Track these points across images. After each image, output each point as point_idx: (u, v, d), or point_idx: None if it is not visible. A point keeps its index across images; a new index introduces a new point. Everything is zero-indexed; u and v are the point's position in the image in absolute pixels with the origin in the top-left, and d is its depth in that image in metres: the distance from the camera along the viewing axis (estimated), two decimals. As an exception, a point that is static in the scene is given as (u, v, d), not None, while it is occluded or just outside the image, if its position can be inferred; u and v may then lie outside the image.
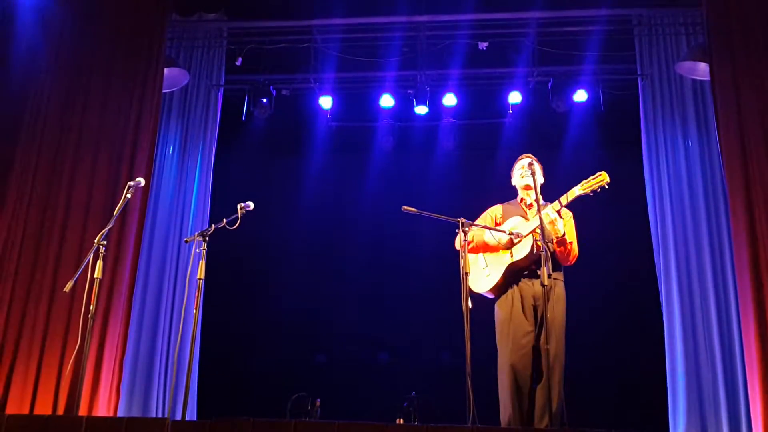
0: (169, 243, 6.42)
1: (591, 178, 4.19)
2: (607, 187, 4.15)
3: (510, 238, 4.27)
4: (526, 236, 4.23)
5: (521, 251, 4.27)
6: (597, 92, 6.88)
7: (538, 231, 4.01)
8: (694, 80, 6.30)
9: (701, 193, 6.06)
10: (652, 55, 6.51)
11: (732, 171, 5.30)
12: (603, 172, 4.18)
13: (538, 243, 4.09)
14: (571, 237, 4.37)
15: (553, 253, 4.23)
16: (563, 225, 4.21)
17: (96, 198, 5.56)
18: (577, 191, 4.21)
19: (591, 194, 4.17)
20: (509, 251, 4.33)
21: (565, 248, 4.25)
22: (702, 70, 5.94)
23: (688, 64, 6.07)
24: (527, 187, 4.46)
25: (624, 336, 6.48)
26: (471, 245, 4.37)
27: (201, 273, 4.21)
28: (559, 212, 4.21)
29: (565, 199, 4.23)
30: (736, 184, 5.26)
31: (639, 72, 6.54)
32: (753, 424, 4.90)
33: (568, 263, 4.36)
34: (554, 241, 4.20)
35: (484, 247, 4.45)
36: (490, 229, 4.39)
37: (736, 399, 5.51)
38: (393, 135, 7.32)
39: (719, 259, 5.87)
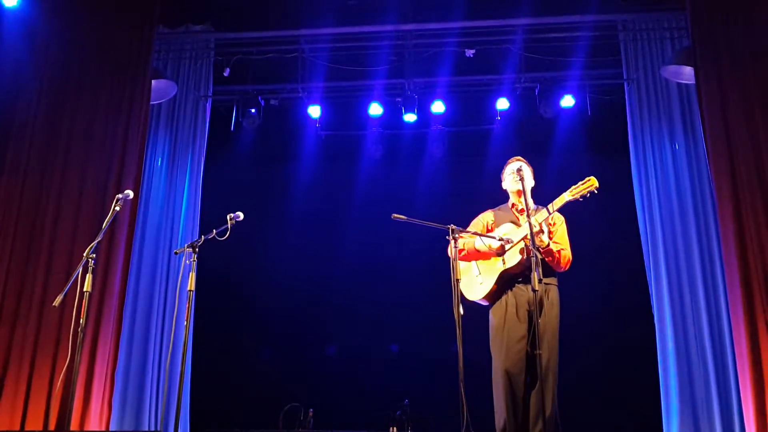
0: (159, 255, 6.40)
1: (580, 183, 4.16)
2: (596, 191, 4.12)
3: (501, 244, 4.27)
4: (517, 243, 4.23)
5: (513, 258, 4.27)
6: (584, 97, 6.93)
7: (529, 237, 4.01)
8: (679, 83, 6.35)
9: (689, 195, 6.11)
10: (638, 59, 6.57)
11: (719, 172, 5.34)
12: (592, 177, 4.14)
13: (529, 248, 4.08)
14: (563, 242, 4.37)
15: (544, 259, 4.24)
16: (548, 235, 4.19)
17: (85, 211, 5.54)
18: (566, 197, 4.18)
19: (581, 199, 4.16)
20: (501, 258, 4.33)
21: (553, 258, 4.24)
22: (687, 73, 6.00)
23: (673, 67, 6.13)
24: (518, 193, 4.47)
25: (616, 340, 6.47)
26: (463, 253, 4.38)
27: (191, 284, 4.18)
28: (547, 219, 4.20)
29: (553, 206, 4.22)
30: (723, 185, 5.30)
31: (625, 76, 6.60)
32: (745, 424, 4.92)
33: (562, 269, 4.35)
34: (541, 251, 4.20)
35: (476, 254, 4.44)
36: (480, 235, 4.39)
37: (728, 399, 5.55)
38: (382, 143, 7.34)
39: (708, 260, 5.91)
